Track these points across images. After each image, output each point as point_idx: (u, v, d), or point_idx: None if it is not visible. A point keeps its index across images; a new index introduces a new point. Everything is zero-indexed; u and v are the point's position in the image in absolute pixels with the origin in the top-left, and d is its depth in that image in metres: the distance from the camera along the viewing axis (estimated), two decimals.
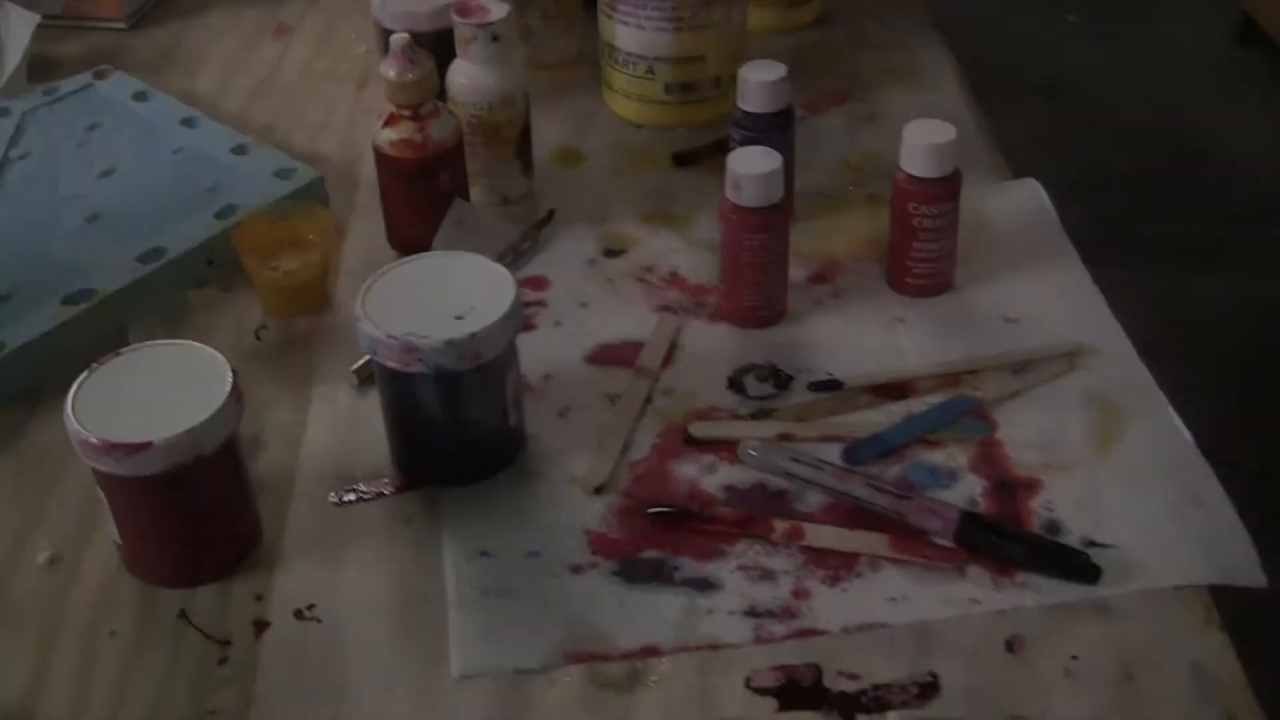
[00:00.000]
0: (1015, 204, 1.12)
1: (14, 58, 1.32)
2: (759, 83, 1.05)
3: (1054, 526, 0.87)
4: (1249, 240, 2.66)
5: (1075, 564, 0.83)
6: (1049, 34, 3.35)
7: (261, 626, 0.84)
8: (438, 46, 1.12)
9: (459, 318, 0.86)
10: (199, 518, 0.85)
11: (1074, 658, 0.80)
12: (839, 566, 0.85)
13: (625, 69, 1.22)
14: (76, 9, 1.44)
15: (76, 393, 0.84)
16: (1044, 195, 1.12)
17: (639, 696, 0.78)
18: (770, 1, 1.35)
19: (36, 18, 1.32)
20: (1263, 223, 2.72)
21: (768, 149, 0.98)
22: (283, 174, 1.16)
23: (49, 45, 1.40)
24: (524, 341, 0.98)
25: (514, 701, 0.78)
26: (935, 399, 0.96)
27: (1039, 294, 1.04)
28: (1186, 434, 0.92)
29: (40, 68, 1.37)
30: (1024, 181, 1.14)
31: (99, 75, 1.32)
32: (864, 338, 1.01)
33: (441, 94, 1.10)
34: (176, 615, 0.86)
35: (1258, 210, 2.76)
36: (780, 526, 0.87)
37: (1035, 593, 0.83)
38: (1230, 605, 0.84)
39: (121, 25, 1.46)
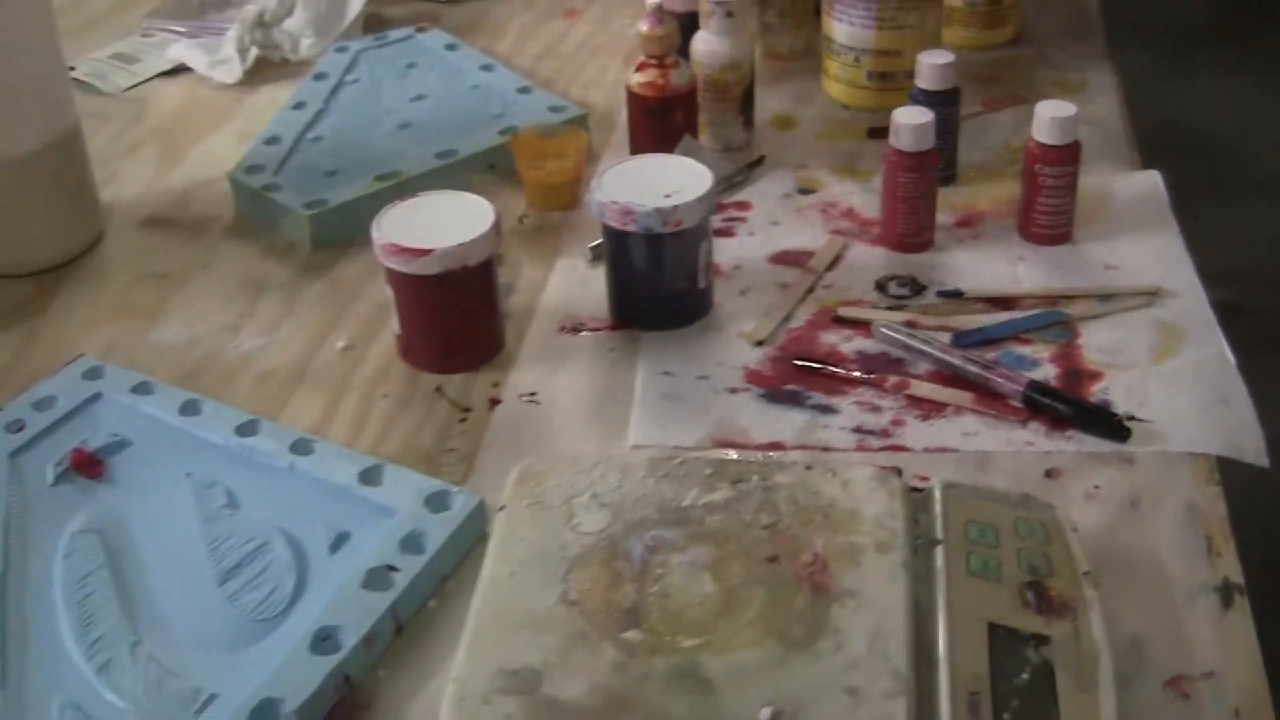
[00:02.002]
0: (1136, 187, 1.38)
1: (354, 10, 1.67)
2: (931, 65, 1.34)
3: (1104, 404, 1.13)
4: None
5: (1111, 424, 1.09)
6: None
7: (495, 402, 1.15)
8: (689, 21, 1.43)
9: (667, 196, 1.17)
10: (459, 317, 1.16)
11: (1096, 487, 1.05)
12: (931, 410, 1.13)
13: (838, 58, 1.52)
14: None
15: (383, 217, 1.16)
16: (1160, 183, 1.38)
17: None
18: (973, 22, 1.63)
19: None
20: None
21: (923, 108, 1.27)
22: (556, 109, 1.48)
23: (383, 8, 1.75)
24: (723, 244, 1.28)
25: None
26: (1034, 312, 1.22)
27: (1139, 253, 1.29)
28: (1231, 359, 1.17)
29: (374, 24, 1.71)
30: (1148, 172, 1.41)
31: (420, 30, 1.66)
32: (989, 267, 1.28)
33: (687, 56, 1.41)
34: (434, 390, 1.16)
35: None
36: (892, 380, 1.15)
37: (1077, 443, 1.09)
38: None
39: None
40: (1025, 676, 0.83)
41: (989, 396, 1.11)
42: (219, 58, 1.63)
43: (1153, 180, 1.38)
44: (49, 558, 1.00)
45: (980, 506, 0.94)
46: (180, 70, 1.67)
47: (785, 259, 1.28)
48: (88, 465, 1.07)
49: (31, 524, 1.03)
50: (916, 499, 0.95)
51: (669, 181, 1.17)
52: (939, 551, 0.90)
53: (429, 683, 0.90)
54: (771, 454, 1.06)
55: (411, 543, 0.97)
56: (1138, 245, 1.29)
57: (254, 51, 1.63)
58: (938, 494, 0.94)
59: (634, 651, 0.83)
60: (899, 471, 1.01)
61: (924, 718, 0.80)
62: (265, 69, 1.65)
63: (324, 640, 0.90)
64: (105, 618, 0.95)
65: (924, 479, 1.02)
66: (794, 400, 1.12)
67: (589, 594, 0.87)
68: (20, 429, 1.10)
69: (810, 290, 1.24)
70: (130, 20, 1.79)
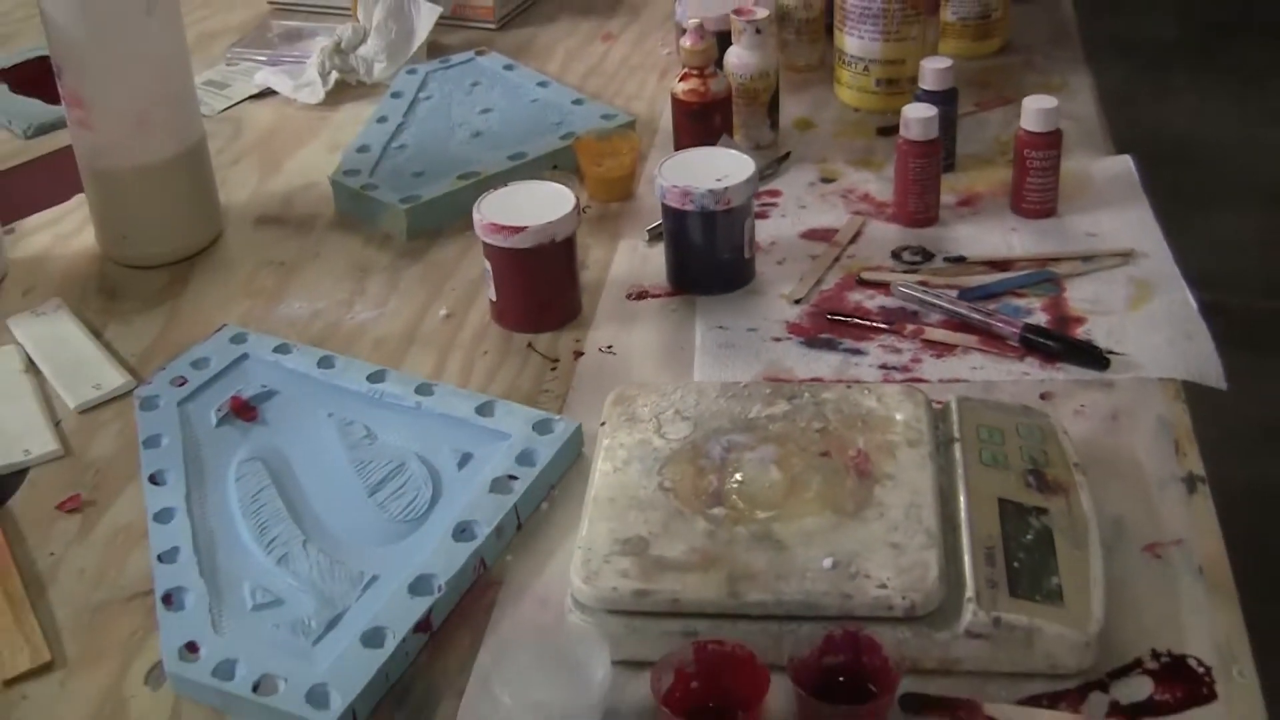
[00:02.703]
0: (1111, 169, 1.61)
1: (421, 37, 1.91)
2: (933, 69, 1.57)
3: (1088, 340, 1.35)
4: None
5: (1093, 354, 1.32)
6: None
7: (578, 354, 1.38)
8: (723, 37, 1.67)
9: (718, 180, 1.40)
10: (547, 285, 1.39)
11: (1082, 406, 1.27)
12: (943, 350, 1.35)
13: (850, 68, 1.75)
14: (460, 11, 2.03)
15: (481, 201, 1.39)
16: (1132, 165, 1.61)
17: None
18: (965, 34, 1.87)
19: (440, 9, 1.91)
20: None
21: (928, 104, 1.51)
22: (607, 117, 1.71)
23: (438, 35, 1.99)
24: (760, 225, 1.51)
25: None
26: (1026, 272, 1.46)
27: (1115, 223, 1.52)
28: (1194, 304, 1.40)
29: (435, 50, 1.95)
30: (1121, 157, 1.64)
31: (479, 53, 1.89)
32: (987, 237, 1.51)
33: (721, 66, 1.65)
34: (526, 346, 1.40)
35: None
36: (909, 328, 1.39)
37: (1066, 373, 1.32)
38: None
39: (492, 26, 2.04)
40: (1030, 537, 1.06)
41: (991, 339, 1.35)
42: (302, 81, 1.86)
43: (1125, 163, 1.61)
44: (223, 482, 1.22)
45: (988, 414, 1.17)
46: (267, 93, 1.90)
47: (814, 235, 1.52)
48: (244, 410, 1.30)
49: (204, 457, 1.25)
50: (937, 411, 1.18)
51: (718, 168, 1.40)
52: (957, 447, 1.13)
53: (547, 565, 1.13)
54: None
55: (525, 458, 1.20)
56: (1114, 216, 1.53)
57: (334, 75, 1.86)
58: (954, 405, 1.17)
59: (720, 523, 1.06)
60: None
61: (951, 563, 1.03)
62: (343, 90, 1.88)
63: (463, 532, 1.13)
64: (277, 524, 1.17)
65: (939, 403, 1.24)
66: (829, 346, 1.35)
67: (680, 483, 1.10)
68: (183, 383, 1.33)
69: (836, 259, 1.47)
70: (215, 51, 2.03)
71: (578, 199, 1.37)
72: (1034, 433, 1.15)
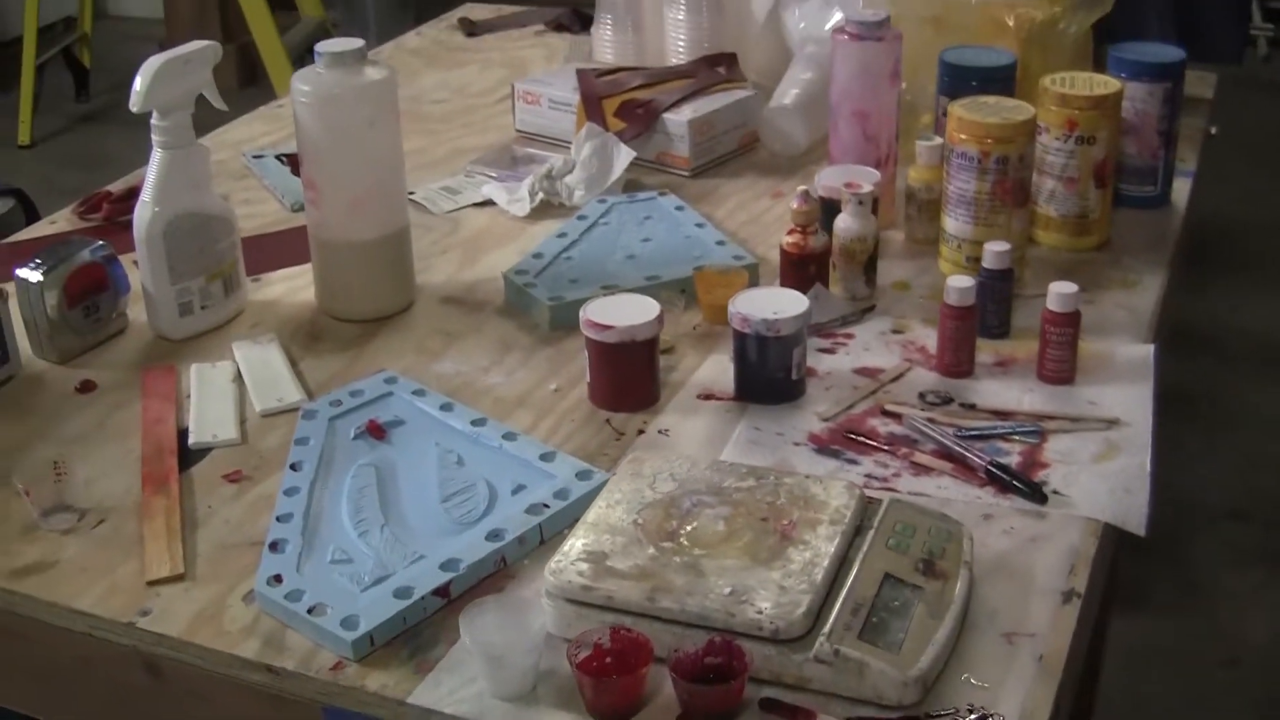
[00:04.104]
0: (1133, 354, 1.94)
1: (615, 174, 2.34)
2: (992, 251, 1.94)
3: (1041, 482, 1.70)
4: None
5: (1035, 490, 1.66)
6: None
7: (640, 432, 1.76)
8: (834, 204, 2.06)
9: (774, 313, 1.80)
10: (626, 374, 1.79)
11: (1011, 527, 1.61)
12: (922, 471, 1.71)
13: (948, 243, 2.11)
14: (662, 158, 2.46)
15: (589, 303, 1.80)
16: (1151, 354, 1.94)
17: None
18: (1064, 229, 2.20)
19: (633, 154, 2.35)
20: None
21: (968, 276, 1.87)
22: (738, 257, 2.11)
23: (639, 175, 2.42)
24: (827, 358, 1.87)
25: None
26: (1019, 423, 1.81)
27: (1118, 397, 1.84)
28: (1149, 469, 1.74)
29: (631, 186, 2.38)
30: (1145, 345, 1.97)
31: (661, 193, 2.32)
32: (1005, 393, 1.85)
33: (830, 228, 2.04)
34: (605, 421, 1.81)
35: None
36: (903, 450, 1.75)
37: (1013, 502, 1.67)
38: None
39: (686, 174, 2.46)
40: (897, 604, 1.40)
41: (964, 468, 1.70)
42: (515, 197, 2.31)
43: (1146, 351, 1.94)
44: (342, 477, 1.65)
45: (910, 514, 1.52)
46: (487, 203, 2.35)
47: (864, 372, 1.88)
48: (376, 431, 1.73)
49: (335, 458, 1.67)
50: (871, 506, 1.54)
51: (779, 305, 1.79)
52: (870, 534, 1.49)
53: None
54: None
55: (561, 494, 1.59)
56: (1119, 392, 1.84)
57: (540, 195, 2.30)
58: (885, 502, 1.53)
59: (664, 552, 1.44)
60: (871, 496, 1.59)
61: (821, 610, 1.39)
62: (545, 209, 2.30)
63: (494, 535, 1.54)
64: (368, 510, 1.58)
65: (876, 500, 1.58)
66: (834, 454, 1.72)
67: (648, 522, 1.48)
68: (339, 405, 1.77)
69: (873, 392, 1.84)
70: (457, 164, 2.49)
71: (662, 311, 1.76)
72: (942, 534, 1.49)
